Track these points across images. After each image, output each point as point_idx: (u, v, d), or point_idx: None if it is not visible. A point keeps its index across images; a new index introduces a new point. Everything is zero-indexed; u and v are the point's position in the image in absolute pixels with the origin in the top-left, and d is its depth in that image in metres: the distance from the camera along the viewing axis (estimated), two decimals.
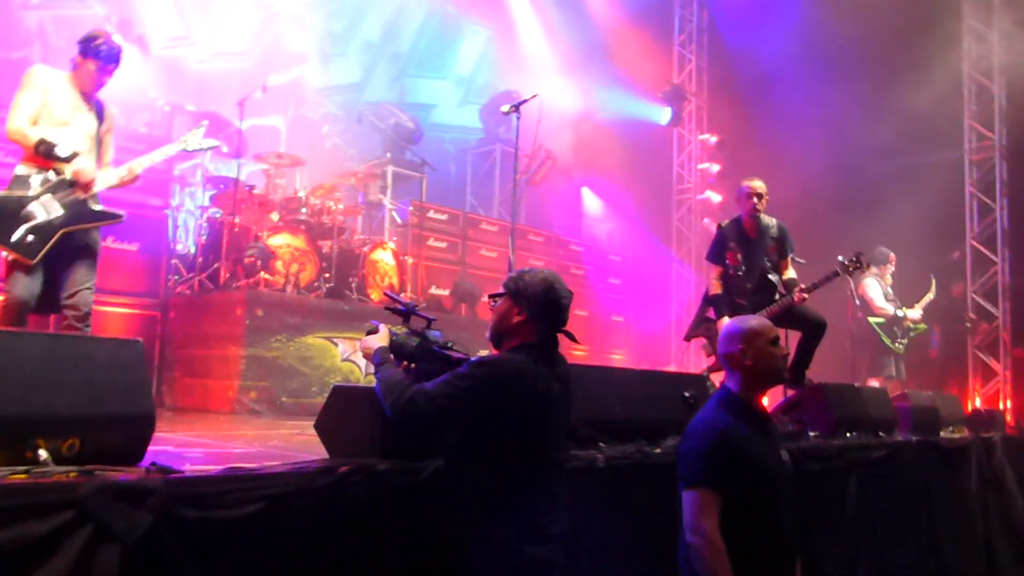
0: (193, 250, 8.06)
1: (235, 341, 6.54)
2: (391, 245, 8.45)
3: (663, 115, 13.16)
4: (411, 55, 12.96)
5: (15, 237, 4.22)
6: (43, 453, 2.29)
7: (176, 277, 7.66)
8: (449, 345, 2.95)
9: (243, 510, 2.26)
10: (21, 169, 4.42)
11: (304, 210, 7.89)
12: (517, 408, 2.64)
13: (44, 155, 4.34)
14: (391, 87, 12.39)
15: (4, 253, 4.27)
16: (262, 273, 7.13)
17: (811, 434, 5.03)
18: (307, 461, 2.68)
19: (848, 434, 5.32)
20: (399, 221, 9.39)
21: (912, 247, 9.38)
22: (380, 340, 2.89)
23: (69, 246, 4.43)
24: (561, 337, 2.87)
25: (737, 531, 2.74)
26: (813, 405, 5.29)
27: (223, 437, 4.49)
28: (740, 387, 3.01)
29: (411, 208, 9.43)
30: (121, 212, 4.70)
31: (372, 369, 2.83)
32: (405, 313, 3.03)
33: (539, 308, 2.79)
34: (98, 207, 4.58)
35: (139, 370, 2.66)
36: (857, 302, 8.51)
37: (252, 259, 7.06)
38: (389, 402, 2.63)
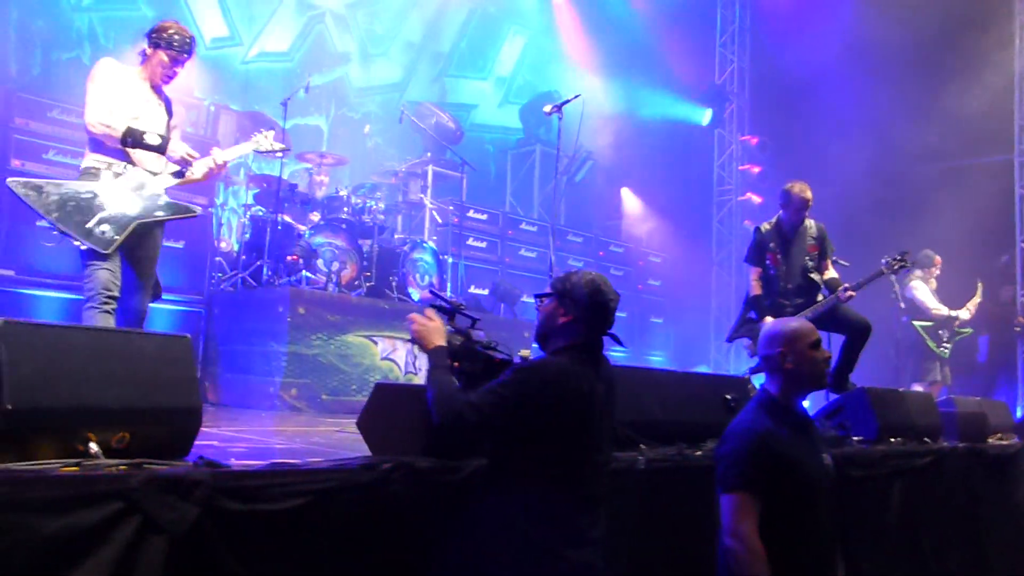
0: (236, 248, 8.17)
1: (277, 338, 6.61)
2: (431, 244, 8.49)
3: (704, 116, 13.06)
4: (452, 55, 13.00)
5: (89, 227, 4.15)
6: (93, 446, 2.33)
7: (220, 275, 7.77)
8: (493, 346, 2.95)
9: (286, 504, 2.28)
10: (90, 161, 4.36)
11: (345, 209, 7.98)
12: (559, 410, 2.63)
13: (133, 144, 4.29)
14: (432, 87, 12.45)
15: (78, 243, 4.17)
16: (304, 271, 7.21)
17: (854, 439, 4.95)
18: (350, 458, 2.71)
19: (892, 440, 5.23)
20: (439, 221, 9.43)
21: (959, 251, 9.22)
22: (439, 335, 2.87)
23: (141, 244, 4.43)
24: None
25: (777, 536, 2.71)
26: (857, 410, 5.20)
27: (266, 433, 4.54)
28: (780, 390, 2.98)
29: (451, 208, 9.46)
30: (196, 207, 4.75)
31: (410, 365, 2.85)
32: (450, 311, 3.03)
33: (585, 310, 2.78)
34: (172, 200, 4.52)
35: (187, 365, 2.68)
36: (902, 305, 8.37)
37: (295, 257, 7.14)
38: (438, 411, 2.63)
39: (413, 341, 2.93)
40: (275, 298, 6.83)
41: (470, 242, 9.56)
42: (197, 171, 4.63)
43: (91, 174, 4.31)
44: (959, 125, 10.07)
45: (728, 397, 4.14)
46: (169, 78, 4.57)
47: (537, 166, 12.33)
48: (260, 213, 7.98)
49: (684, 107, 13.20)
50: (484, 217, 9.88)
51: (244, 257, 7.67)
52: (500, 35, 13.55)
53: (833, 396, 5.73)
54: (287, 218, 7.79)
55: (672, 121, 13.21)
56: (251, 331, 6.92)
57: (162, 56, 4.48)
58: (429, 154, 9.72)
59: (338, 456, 2.81)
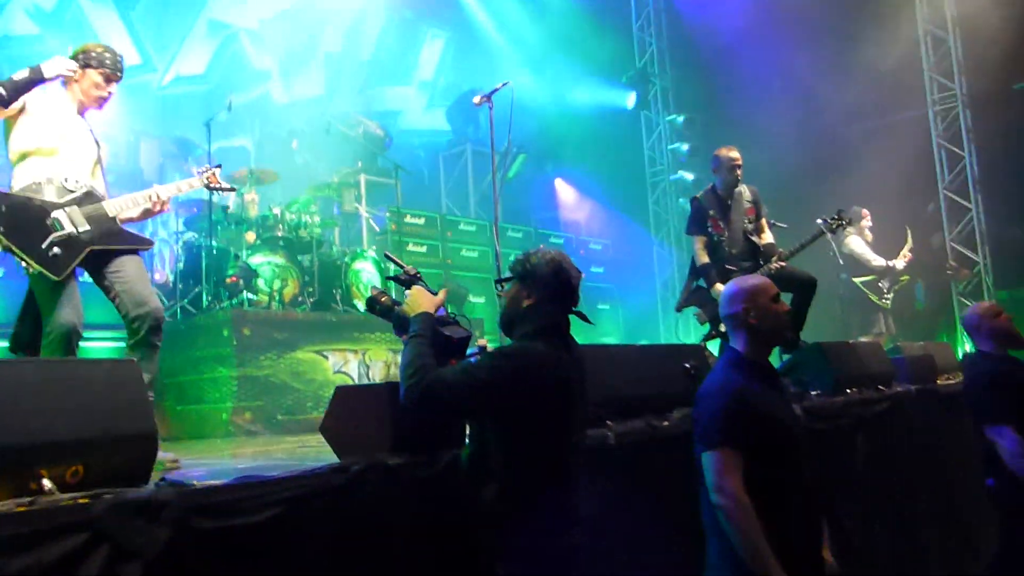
0: (172, 278, 7.96)
1: (224, 363, 6.46)
2: (371, 253, 8.39)
3: (628, 99, 13.17)
4: (372, 64, 12.91)
5: (41, 248, 3.67)
6: (47, 482, 2.23)
7: None
8: (453, 317, 2.87)
9: (260, 516, 2.21)
10: (27, 174, 3.89)
11: (281, 226, 7.83)
12: (540, 399, 2.58)
13: (25, 84, 3.80)
14: (356, 98, 12.33)
15: (25, 265, 3.69)
16: (245, 293, 7.06)
17: (813, 393, 5.03)
18: (319, 465, 2.64)
19: (849, 391, 5.33)
20: (377, 229, 9.33)
21: (888, 204, 9.46)
22: (428, 302, 2.78)
23: (108, 255, 3.92)
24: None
25: (761, 488, 2.72)
26: (812, 365, 5.29)
27: (224, 457, 4.43)
28: (747, 347, 2.99)
29: (388, 215, 9.38)
30: (151, 239, 4.41)
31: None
32: (408, 282, 2.93)
33: (550, 290, 2.73)
34: (127, 229, 4.08)
35: (137, 389, 2.59)
36: (841, 262, 8.56)
37: (234, 278, 6.99)
38: (407, 381, 2.53)
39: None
40: (218, 322, 6.67)
41: (410, 247, 9.48)
42: (133, 210, 4.18)
43: (34, 187, 3.86)
44: (876, 82, 10.34)
45: (688, 365, 4.15)
46: (103, 100, 4.18)
47: (470, 165, 12.31)
48: (193, 239, 7.79)
49: (609, 92, 13.31)
50: (422, 221, 9.81)
51: (181, 286, 7.47)
52: (418, 39, 13.51)
53: (785, 355, 5.81)
54: (222, 241, 7.62)
55: (599, 108, 13.30)
56: (197, 359, 6.75)
57: (93, 76, 4.09)
58: (360, 163, 9.62)
59: (306, 467, 2.74)
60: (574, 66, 13.11)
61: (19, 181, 3.88)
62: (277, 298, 7.28)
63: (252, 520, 2.19)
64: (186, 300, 7.24)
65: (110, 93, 4.18)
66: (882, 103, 10.75)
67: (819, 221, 6.11)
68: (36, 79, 3.85)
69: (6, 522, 1.85)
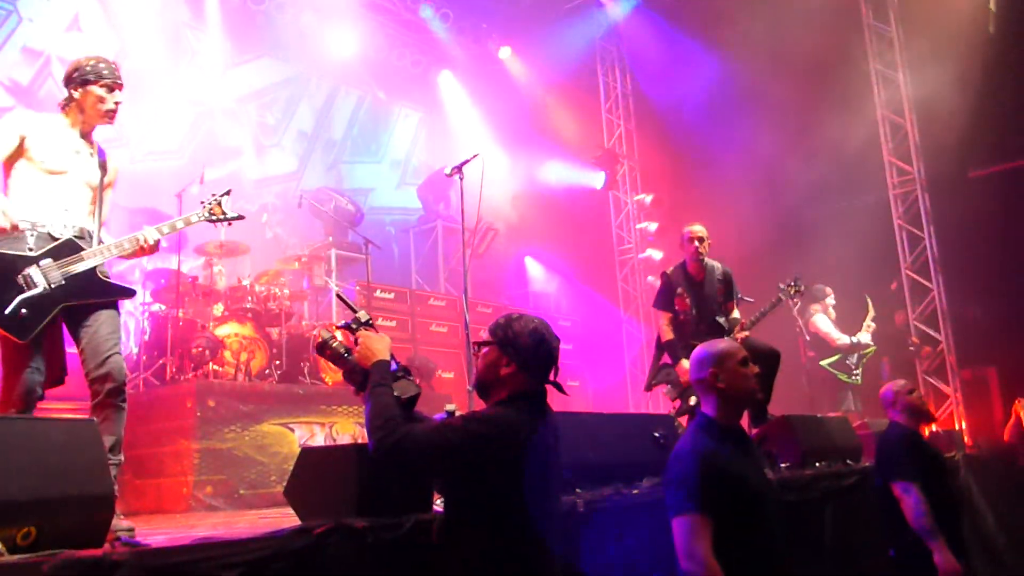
0: (135, 350, 7.84)
1: (186, 435, 6.31)
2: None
3: (597, 179, 13.42)
4: (344, 142, 13.08)
5: (7, 311, 3.43)
6: None
7: None
8: (403, 371, 2.81)
9: None
10: (23, 224, 3.63)
11: (250, 298, 7.80)
12: (513, 463, 2.53)
13: None
14: (328, 174, 12.44)
15: None
16: (211, 364, 6.97)
17: (782, 465, 5.02)
18: (281, 528, 2.57)
19: (817, 464, 5.33)
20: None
21: (852, 283, 9.64)
22: (383, 348, 2.74)
23: (83, 307, 3.67)
24: None
25: (732, 553, 2.69)
26: (780, 437, 5.31)
27: (183, 527, 4.29)
28: (716, 411, 3.00)
29: (357, 288, 9.37)
30: (133, 288, 4.04)
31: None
32: (356, 329, 2.86)
33: (532, 359, 2.68)
34: (107, 279, 3.81)
35: (95, 450, 2.54)
36: (807, 338, 8.65)
37: (200, 349, 6.90)
38: (376, 433, 2.48)
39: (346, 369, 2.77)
40: (182, 394, 6.54)
41: (379, 322, 9.44)
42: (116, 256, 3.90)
43: (18, 237, 3.59)
44: (838, 164, 10.62)
45: (657, 435, 4.14)
46: (112, 113, 3.90)
47: (440, 242, 12.39)
48: (159, 309, 7.72)
49: (578, 173, 13.55)
50: (391, 296, 9.81)
51: (145, 357, 7.36)
52: (391, 118, 13.73)
53: (754, 429, 5.81)
54: (189, 312, 7.55)
55: (567, 187, 13.53)
56: (158, 432, 6.59)
57: (95, 91, 3.83)
58: (331, 238, 9.66)
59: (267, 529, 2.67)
60: (545, 146, 13.38)
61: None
62: (244, 370, 7.19)
63: None
64: (149, 372, 7.13)
65: (117, 103, 3.91)
66: (844, 184, 11.02)
67: (780, 284, 6.21)
68: None
69: None
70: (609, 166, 13.37)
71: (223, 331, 7.42)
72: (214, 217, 4.15)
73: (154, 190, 9.71)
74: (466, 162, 5.55)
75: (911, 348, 10.14)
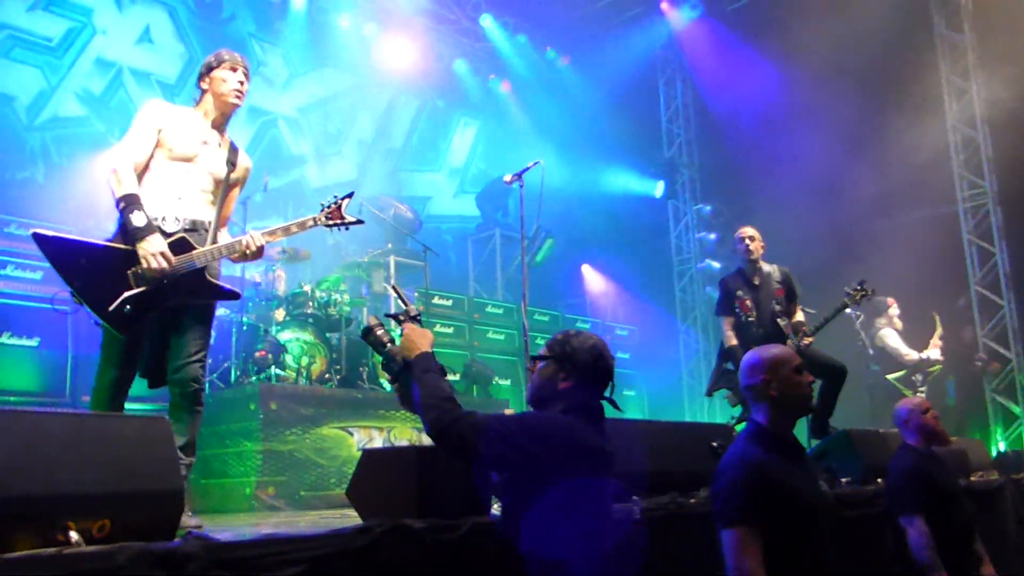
0: None
1: (250, 437, 6.47)
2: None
3: (657, 189, 13.36)
4: (404, 151, 13.26)
5: (112, 307, 3.43)
6: (74, 535, 2.24)
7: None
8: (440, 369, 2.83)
9: (282, 573, 2.20)
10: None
11: (310, 303, 7.95)
12: (567, 460, 2.53)
13: (121, 218, 3.52)
14: (387, 182, 12.62)
15: (94, 319, 3.49)
16: (273, 368, 7.12)
17: (842, 481, 4.93)
18: (344, 527, 2.63)
19: (878, 480, 5.22)
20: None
21: (917, 298, 9.42)
22: (427, 343, 2.78)
23: (180, 309, 3.68)
24: None
25: (781, 565, 2.64)
26: (841, 452, 5.21)
27: (247, 525, 4.40)
28: (768, 419, 2.94)
29: (416, 295, 9.47)
30: (239, 290, 3.94)
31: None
32: (403, 323, 2.90)
33: (588, 375, 2.69)
34: (214, 280, 3.76)
35: (166, 447, 2.62)
36: (871, 352, 8.49)
37: (263, 353, 7.06)
38: (430, 417, 2.51)
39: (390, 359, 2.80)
40: (246, 396, 6.70)
41: (437, 328, 9.52)
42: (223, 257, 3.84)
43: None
44: (905, 177, 10.40)
45: (714, 444, 4.11)
46: (238, 93, 3.88)
47: (498, 249, 12.46)
48: (223, 314, 7.90)
49: (637, 181, 13.51)
50: (449, 303, 9.89)
51: (210, 360, 7.52)
52: (450, 127, 13.88)
53: (814, 440, 5.72)
54: (252, 317, 7.73)
55: (627, 196, 13.49)
56: (223, 433, 6.76)
57: (218, 74, 3.85)
58: (390, 244, 9.78)
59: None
60: (604, 155, 13.37)
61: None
62: (305, 374, 7.33)
63: None
64: (215, 375, 7.32)
65: (242, 82, 3.89)
66: (910, 197, 10.79)
67: (846, 288, 6.11)
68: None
69: (33, 566, 1.86)
70: (669, 176, 13.30)
71: (285, 336, 7.58)
72: (331, 222, 3.94)
73: None
74: (526, 170, 5.59)
75: (978, 364, 9.87)
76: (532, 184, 5.81)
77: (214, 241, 3.77)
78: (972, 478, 6.54)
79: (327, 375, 7.57)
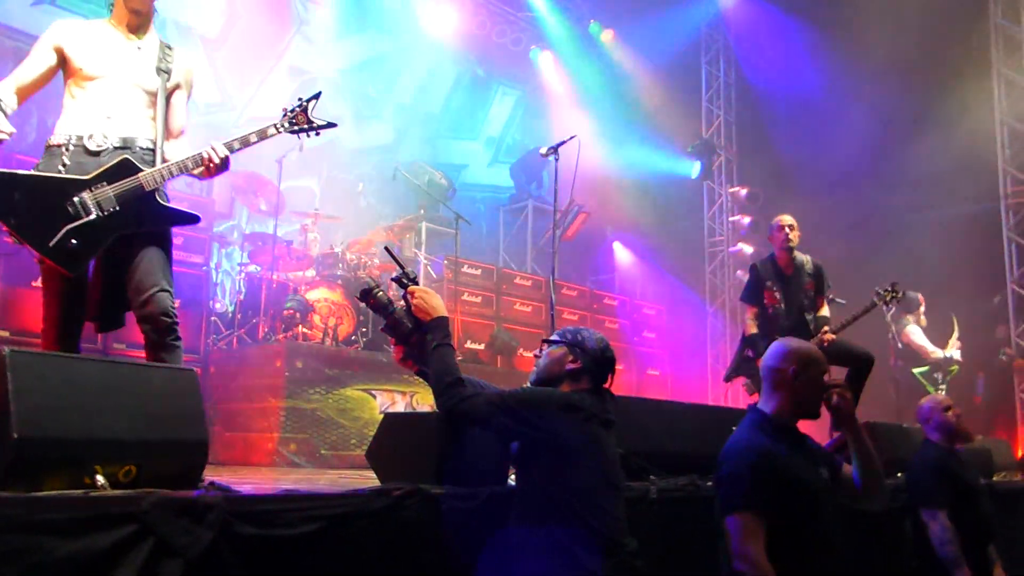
0: (231, 308, 8.15)
1: (275, 393, 6.56)
2: (392, 280, 8.46)
3: (693, 169, 13.23)
4: (442, 117, 13.22)
5: (54, 241, 3.11)
6: (100, 478, 2.29)
7: (214, 336, 7.71)
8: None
9: (300, 529, 2.25)
10: (60, 138, 3.31)
11: (341, 265, 8.01)
12: (568, 429, 2.63)
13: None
14: (423, 148, 12.60)
15: (38, 259, 3.18)
16: (300, 326, 7.19)
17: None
18: (362, 487, 2.67)
19: (899, 475, 5.18)
20: (434, 276, 9.46)
21: (949, 291, 9.31)
22: (441, 305, 2.84)
23: (129, 240, 3.30)
24: None
25: (784, 553, 2.65)
26: None
27: (268, 479, 4.47)
28: (777, 409, 2.94)
29: (445, 262, 9.49)
30: (197, 214, 3.52)
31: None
32: (407, 284, 2.93)
33: (594, 361, 2.83)
34: (167, 203, 3.40)
35: (193, 397, 2.66)
36: (900, 346, 8.41)
37: (291, 311, 7.13)
38: (446, 391, 2.63)
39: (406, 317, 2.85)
40: (272, 353, 6.79)
41: (465, 297, 9.56)
42: (189, 159, 3.43)
43: (57, 154, 3.28)
44: (947, 170, 10.21)
45: (735, 428, 4.09)
46: (150, 6, 3.48)
47: (529, 222, 12.44)
48: (255, 271, 7.99)
49: (673, 161, 13.39)
50: (478, 272, 9.91)
51: (239, 316, 7.65)
52: (489, 96, 13.81)
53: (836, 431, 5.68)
54: (282, 275, 7.80)
55: (662, 174, 13.38)
56: (249, 388, 6.86)
57: None
58: (423, 211, 9.80)
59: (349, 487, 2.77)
60: (641, 132, 13.25)
61: (55, 138, 3.32)
62: (331, 334, 7.40)
63: (293, 532, 2.22)
64: (243, 330, 7.41)
65: None
66: (950, 191, 10.60)
67: (876, 288, 6.03)
68: None
69: (62, 506, 1.91)
70: (705, 156, 13.16)
71: (313, 295, 7.64)
72: (297, 127, 3.64)
73: (255, 156, 9.92)
74: (563, 143, 5.56)
75: (1002, 358, 9.73)
76: (567, 157, 5.78)
77: (162, 159, 3.45)
78: (995, 478, 6.49)
79: (353, 337, 7.63)
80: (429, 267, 9.35)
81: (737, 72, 13.62)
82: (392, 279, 2.95)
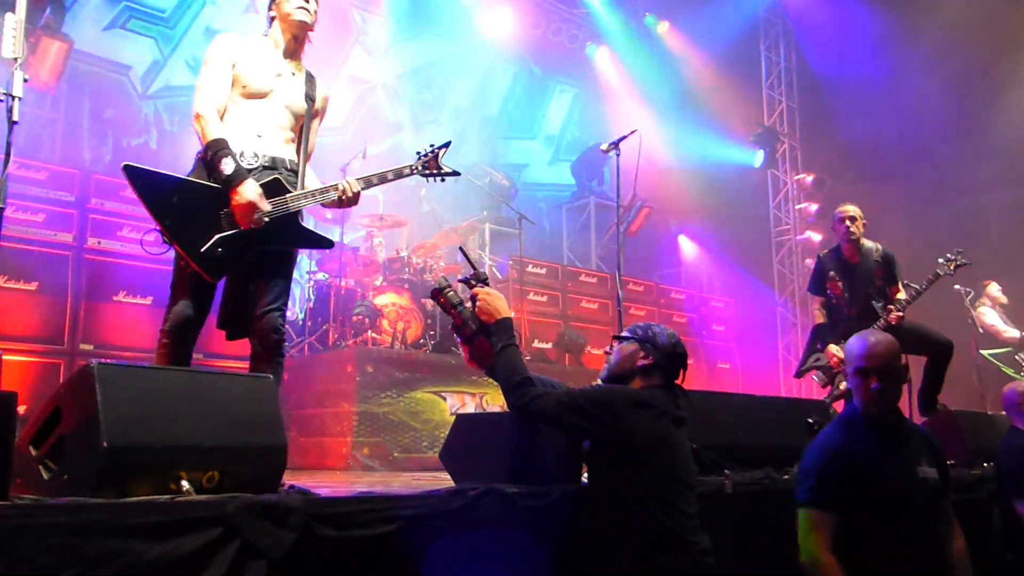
0: (301, 316, 8.31)
1: (347, 398, 6.66)
2: (460, 281, 8.51)
3: (756, 158, 13.01)
4: (500, 118, 13.27)
5: (204, 248, 3.22)
6: (185, 483, 2.36)
7: (286, 344, 7.83)
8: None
9: (378, 530, 2.29)
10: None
11: (407, 269, 8.10)
12: (648, 429, 2.63)
13: (210, 166, 3.31)
14: (483, 149, 12.65)
15: (184, 263, 3.29)
16: (370, 332, 7.29)
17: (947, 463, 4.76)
18: (438, 488, 2.70)
19: (985, 464, 5.03)
20: (499, 276, 9.50)
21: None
22: (505, 306, 2.88)
23: (262, 254, 3.42)
24: None
25: (861, 553, 2.64)
26: (946, 434, 5.01)
27: (344, 483, 4.55)
28: (864, 404, 2.87)
29: (510, 263, 9.53)
30: (332, 239, 3.72)
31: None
32: (475, 285, 2.96)
33: (666, 356, 2.84)
34: (308, 226, 3.60)
35: (271, 404, 2.72)
36: (981, 330, 8.15)
37: (360, 317, 7.24)
38: (509, 400, 2.68)
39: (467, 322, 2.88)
40: (343, 359, 6.90)
41: (531, 296, 9.59)
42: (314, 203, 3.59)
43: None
44: (1017, 152, 9.85)
45: (810, 420, 4.03)
46: (304, 10, 3.59)
47: (592, 219, 12.42)
48: (323, 279, 8.13)
49: (735, 150, 13.19)
50: (543, 271, 9.92)
51: (310, 323, 7.79)
52: (546, 94, 13.81)
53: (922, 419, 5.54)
54: (350, 281, 7.92)
55: (724, 165, 13.19)
56: (321, 394, 6.99)
57: (285, 2, 3.56)
58: (485, 212, 9.85)
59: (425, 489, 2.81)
60: (701, 123, 13.09)
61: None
62: (400, 338, 7.49)
63: (371, 532, 2.27)
64: (314, 336, 7.56)
65: (313, 9, 3.62)
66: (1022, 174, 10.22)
67: (939, 260, 5.85)
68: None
69: (151, 511, 1.98)
70: (768, 144, 12.93)
71: (381, 301, 7.74)
72: (428, 172, 3.83)
73: (320, 164, 10.05)
74: (623, 138, 5.54)
75: None
76: (628, 152, 5.75)
77: (302, 181, 3.60)
78: None
79: (422, 340, 7.71)
80: (494, 268, 9.39)
81: (798, 56, 13.36)
82: (459, 280, 2.98)
